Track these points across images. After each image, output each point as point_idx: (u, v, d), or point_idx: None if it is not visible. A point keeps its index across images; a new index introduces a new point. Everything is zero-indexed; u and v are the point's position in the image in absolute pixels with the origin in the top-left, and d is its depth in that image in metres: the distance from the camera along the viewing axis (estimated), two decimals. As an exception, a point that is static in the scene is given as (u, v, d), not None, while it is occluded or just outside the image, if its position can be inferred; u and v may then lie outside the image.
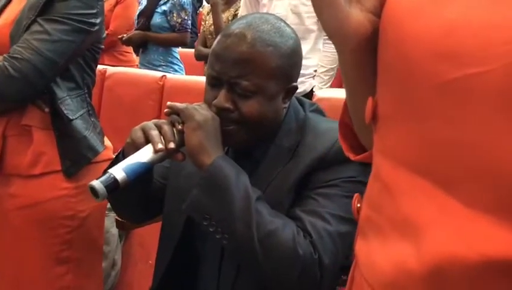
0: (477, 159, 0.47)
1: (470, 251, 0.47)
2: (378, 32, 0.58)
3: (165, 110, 1.06)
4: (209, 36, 3.28)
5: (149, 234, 2.24)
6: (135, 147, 0.99)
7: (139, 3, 3.63)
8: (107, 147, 1.53)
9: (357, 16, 0.57)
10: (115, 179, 0.95)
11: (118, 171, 0.96)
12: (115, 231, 2.23)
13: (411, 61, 0.51)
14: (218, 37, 1.06)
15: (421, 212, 0.51)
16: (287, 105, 1.09)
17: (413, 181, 0.52)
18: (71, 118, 1.39)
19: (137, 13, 3.53)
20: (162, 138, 0.98)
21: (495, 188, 0.47)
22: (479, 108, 0.47)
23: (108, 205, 2.16)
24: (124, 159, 1.00)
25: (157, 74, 2.51)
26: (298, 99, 1.16)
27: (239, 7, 3.48)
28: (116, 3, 3.74)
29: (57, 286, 1.45)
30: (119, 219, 1.98)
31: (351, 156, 0.70)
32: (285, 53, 1.04)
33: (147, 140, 0.99)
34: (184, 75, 3.44)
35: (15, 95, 1.33)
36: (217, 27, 3.06)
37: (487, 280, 0.47)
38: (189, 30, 3.48)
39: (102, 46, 1.53)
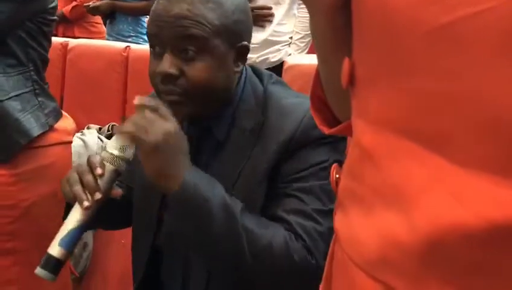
0: (475, 110, 0.41)
1: (473, 216, 0.40)
2: None
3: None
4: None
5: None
6: (69, 199, 0.95)
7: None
8: (58, 129, 1.41)
9: None
10: (55, 259, 0.93)
11: (55, 249, 0.93)
12: (84, 211, 2.16)
13: (392, 10, 0.44)
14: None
15: (409, 178, 0.45)
16: (239, 69, 1.01)
17: (399, 145, 0.46)
18: (1, 99, 1.26)
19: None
20: (87, 192, 0.91)
21: (498, 144, 0.40)
22: (477, 54, 0.40)
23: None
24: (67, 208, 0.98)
25: (121, 45, 2.41)
26: (255, 71, 1.06)
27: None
28: (84, -28, 3.59)
29: (3, 278, 1.35)
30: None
31: (325, 130, 0.64)
32: (228, 9, 0.96)
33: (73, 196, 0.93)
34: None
35: None
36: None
37: (494, 249, 0.40)
38: (159, -2, 3.34)
39: (54, 18, 1.38)
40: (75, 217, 0.93)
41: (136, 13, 3.30)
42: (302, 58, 1.85)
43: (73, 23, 3.59)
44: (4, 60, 1.28)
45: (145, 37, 3.33)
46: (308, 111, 0.94)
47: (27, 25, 1.30)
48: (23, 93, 1.31)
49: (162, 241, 0.94)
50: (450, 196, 0.42)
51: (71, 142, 1.49)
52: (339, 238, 0.55)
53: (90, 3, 3.33)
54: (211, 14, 0.94)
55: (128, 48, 2.33)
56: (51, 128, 1.38)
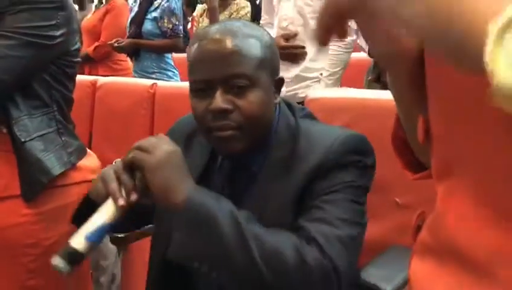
0: None
1: None
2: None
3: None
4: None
5: (148, 247, 2.20)
6: (98, 197, 0.94)
7: (131, 10, 3.58)
8: (81, 167, 1.43)
9: None
10: (77, 252, 0.88)
11: (79, 242, 0.89)
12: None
13: (464, 90, 0.44)
14: (195, 45, 1.00)
15: (484, 245, 0.44)
16: (277, 101, 1.06)
17: (477, 212, 0.45)
18: (23, 140, 1.30)
19: (128, 21, 3.49)
20: (123, 190, 0.91)
21: None
22: None
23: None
24: (87, 204, 0.97)
25: (148, 82, 2.47)
26: (287, 104, 1.11)
27: (234, 10, 3.54)
28: (106, 12, 3.72)
29: None
30: (114, 235, 1.94)
31: (409, 175, 0.64)
32: (266, 44, 1.02)
33: (108, 193, 0.91)
34: (179, 80, 3.38)
35: None
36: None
37: None
38: (181, 35, 3.44)
39: (77, 60, 1.43)
40: (106, 213, 0.90)
41: (159, 51, 3.39)
42: (323, 92, 1.88)
43: (97, 62, 3.68)
44: (29, 101, 1.32)
45: (169, 73, 3.43)
46: (337, 138, 0.99)
47: (50, 68, 1.34)
48: (47, 133, 1.34)
49: (168, 256, 0.92)
50: None
51: None
52: (412, 286, 0.55)
53: (115, 42, 3.41)
54: (253, 47, 0.99)
55: (155, 85, 2.39)
56: (74, 167, 1.40)
